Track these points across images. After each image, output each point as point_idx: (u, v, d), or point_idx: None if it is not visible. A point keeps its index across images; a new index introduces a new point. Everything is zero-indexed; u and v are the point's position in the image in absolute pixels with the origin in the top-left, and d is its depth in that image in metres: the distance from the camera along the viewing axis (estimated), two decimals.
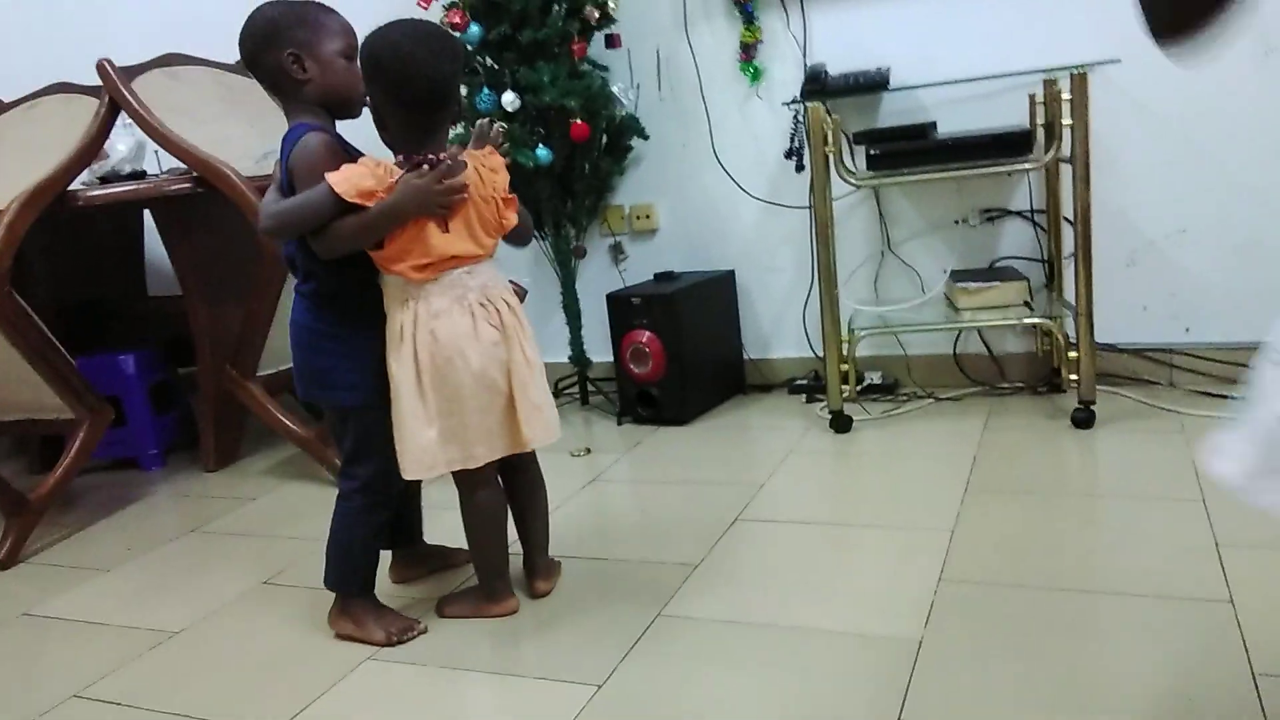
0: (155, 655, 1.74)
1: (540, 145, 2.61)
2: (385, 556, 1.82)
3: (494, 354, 1.59)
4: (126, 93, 2.49)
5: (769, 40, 2.77)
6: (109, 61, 2.50)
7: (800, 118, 2.72)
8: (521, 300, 1.68)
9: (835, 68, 2.60)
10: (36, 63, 3.03)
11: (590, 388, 3.03)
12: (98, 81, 2.52)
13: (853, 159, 2.57)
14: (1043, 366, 2.67)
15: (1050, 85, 2.29)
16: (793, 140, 2.78)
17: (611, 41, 2.80)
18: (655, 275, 2.90)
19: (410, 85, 1.51)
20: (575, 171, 2.77)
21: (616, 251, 3.07)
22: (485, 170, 1.59)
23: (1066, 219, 2.46)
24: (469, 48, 2.59)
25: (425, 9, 2.53)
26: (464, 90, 2.52)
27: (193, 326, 2.75)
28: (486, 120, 1.66)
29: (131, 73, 2.56)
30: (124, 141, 2.75)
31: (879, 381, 2.79)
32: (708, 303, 2.85)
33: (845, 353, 2.50)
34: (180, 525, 2.42)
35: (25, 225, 2.33)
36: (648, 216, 3.01)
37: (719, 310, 2.91)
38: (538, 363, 1.66)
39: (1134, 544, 1.73)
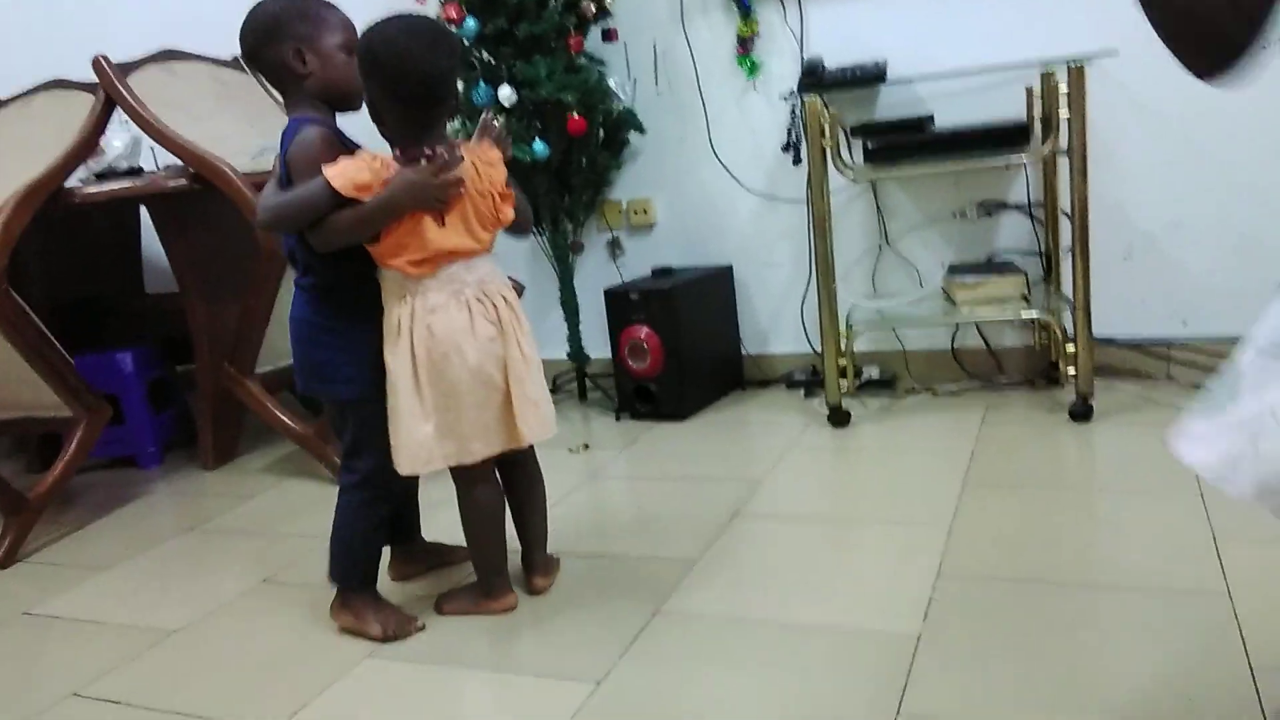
0: (154, 654, 1.74)
1: (537, 140, 2.61)
2: (385, 553, 1.82)
3: (491, 349, 1.58)
4: (122, 89, 2.49)
5: (766, 34, 2.76)
6: (105, 57, 2.49)
7: (797, 111, 2.72)
8: (519, 296, 1.68)
9: (832, 61, 2.59)
10: (34, 60, 3.02)
11: (588, 383, 3.03)
12: (93, 78, 2.51)
13: (850, 152, 2.57)
14: (1040, 360, 2.67)
15: (1047, 78, 2.29)
16: (790, 134, 2.78)
17: (608, 35, 2.79)
18: (653, 270, 2.90)
19: (406, 81, 1.51)
20: (572, 166, 2.77)
21: (614, 247, 3.07)
22: (482, 164, 1.59)
23: (1064, 212, 2.46)
24: (465, 42, 2.58)
25: (422, 4, 2.52)
26: (461, 85, 2.52)
27: (190, 324, 2.75)
28: (490, 113, 1.66)
29: (127, 69, 2.55)
30: (120, 138, 2.75)
31: (877, 376, 2.79)
32: (706, 298, 2.85)
33: (843, 347, 2.50)
34: (179, 523, 2.42)
35: (21, 223, 2.32)
36: (645, 211, 3.01)
37: (717, 305, 2.90)
38: (535, 358, 1.65)
39: (1132, 538, 1.73)
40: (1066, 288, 2.45)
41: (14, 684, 1.70)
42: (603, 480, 2.36)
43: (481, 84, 2.59)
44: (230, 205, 2.42)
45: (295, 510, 2.40)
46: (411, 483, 1.81)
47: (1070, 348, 2.32)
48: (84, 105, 2.55)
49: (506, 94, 2.55)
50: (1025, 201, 2.62)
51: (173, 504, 2.60)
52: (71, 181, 2.58)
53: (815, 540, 1.89)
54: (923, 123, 2.45)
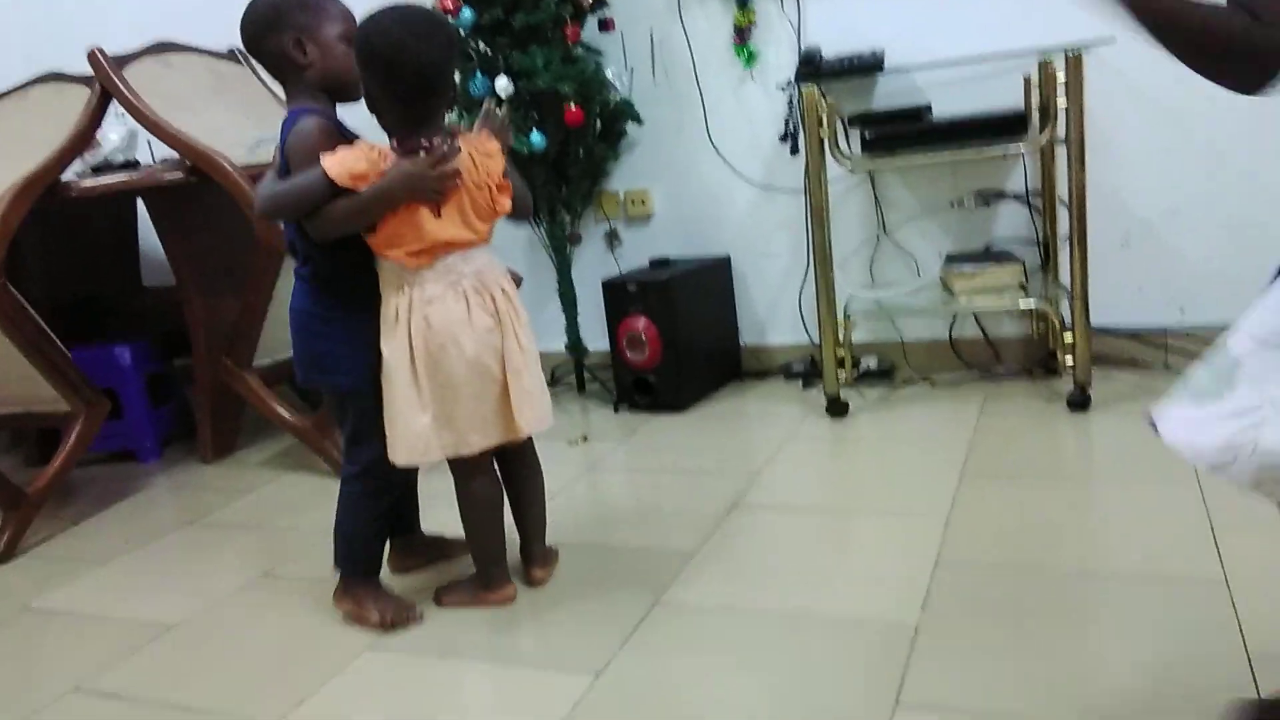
0: (155, 648, 1.74)
1: (534, 131, 2.60)
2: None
3: (488, 340, 1.59)
4: (118, 81, 2.48)
5: (763, 23, 2.75)
6: (100, 50, 2.48)
7: (795, 101, 2.71)
8: (518, 287, 1.68)
9: (830, 50, 2.58)
10: (29, 53, 3.01)
11: (586, 375, 3.03)
12: (89, 70, 2.50)
13: (848, 142, 2.56)
14: (1038, 350, 2.67)
15: (1045, 67, 2.29)
16: (787, 124, 2.77)
17: (605, 25, 2.78)
18: (651, 261, 2.90)
19: (402, 72, 1.51)
20: (569, 157, 2.76)
21: (612, 238, 3.07)
22: (479, 156, 1.59)
23: (1061, 201, 2.45)
24: (462, 33, 2.57)
25: None
26: (457, 76, 2.51)
27: (188, 318, 2.75)
28: (491, 102, 1.66)
29: (123, 61, 2.54)
30: (116, 131, 2.74)
31: (875, 367, 2.79)
32: (703, 289, 2.84)
33: (841, 338, 2.50)
34: (178, 517, 2.42)
35: (18, 216, 2.32)
36: (643, 202, 3.00)
37: (715, 296, 2.90)
38: (532, 350, 1.65)
39: (1129, 527, 1.74)
40: (1064, 277, 2.45)
41: (15, 679, 1.70)
42: (601, 472, 2.36)
43: (478, 75, 2.58)
44: (227, 198, 2.42)
45: (294, 504, 2.40)
46: (411, 475, 1.81)
47: (1068, 337, 2.32)
48: (80, 98, 2.54)
49: (503, 85, 2.54)
50: (1023, 190, 2.62)
51: (172, 498, 2.60)
52: (68, 175, 2.57)
53: (814, 531, 1.89)
54: (920, 112, 2.44)
